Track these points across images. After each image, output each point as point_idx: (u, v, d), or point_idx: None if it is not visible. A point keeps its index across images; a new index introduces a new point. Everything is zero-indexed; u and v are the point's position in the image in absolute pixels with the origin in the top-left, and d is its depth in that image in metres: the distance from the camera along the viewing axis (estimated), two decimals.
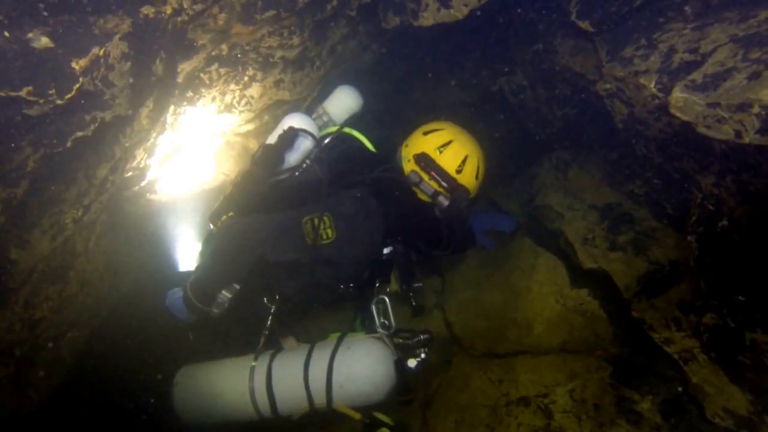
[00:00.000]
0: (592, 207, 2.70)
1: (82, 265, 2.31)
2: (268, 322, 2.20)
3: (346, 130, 2.26)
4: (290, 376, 2.07)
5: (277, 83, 2.32)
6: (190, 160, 2.60)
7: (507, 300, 2.71)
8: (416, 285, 2.31)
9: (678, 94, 1.40)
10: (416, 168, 2.17)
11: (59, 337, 2.35)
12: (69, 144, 1.59)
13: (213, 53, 1.97)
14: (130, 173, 2.25)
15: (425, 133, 2.24)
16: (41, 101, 1.38)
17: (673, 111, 1.43)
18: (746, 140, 1.26)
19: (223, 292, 2.10)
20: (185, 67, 1.93)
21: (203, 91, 2.15)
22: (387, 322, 2.13)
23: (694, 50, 1.46)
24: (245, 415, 2.15)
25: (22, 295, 1.88)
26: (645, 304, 2.14)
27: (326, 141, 2.22)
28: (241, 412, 2.15)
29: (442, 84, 3.63)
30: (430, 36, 3.17)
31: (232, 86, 2.25)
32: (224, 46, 1.98)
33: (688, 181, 1.97)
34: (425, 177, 2.17)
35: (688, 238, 1.88)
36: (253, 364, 2.16)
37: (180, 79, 1.94)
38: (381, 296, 2.16)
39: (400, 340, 2.14)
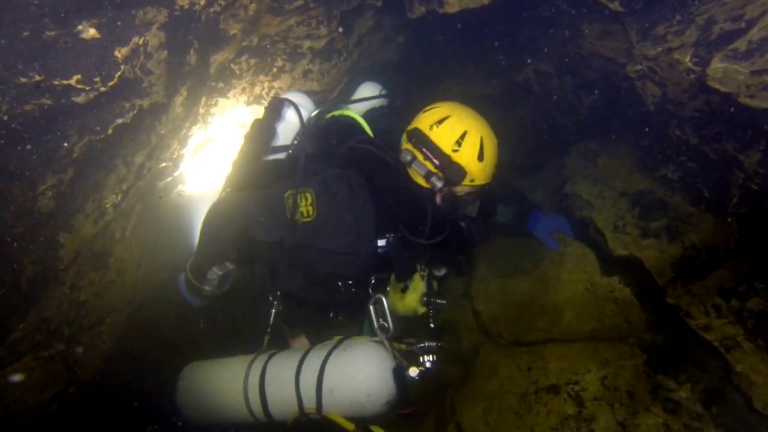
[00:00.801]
0: (623, 194, 2.64)
1: (120, 252, 2.42)
2: (271, 320, 2.14)
3: (347, 112, 2.11)
4: (282, 377, 1.95)
5: (306, 74, 2.37)
6: (221, 153, 2.68)
7: (535, 289, 2.67)
8: (438, 273, 2.17)
9: (717, 65, 1.36)
10: (409, 146, 1.92)
11: (100, 321, 2.46)
12: (110, 131, 1.67)
13: (243, 44, 2.03)
14: (163, 164, 2.34)
15: (424, 111, 2.00)
16: (87, 89, 1.45)
17: (710, 83, 1.38)
18: None
19: (214, 269, 2.06)
20: (217, 58, 1.99)
21: (234, 82, 2.21)
22: (386, 325, 1.94)
23: (737, 18, 1.40)
24: (241, 417, 2.06)
25: (69, 276, 1.98)
26: (681, 291, 2.07)
27: (322, 120, 2.08)
28: (236, 413, 2.07)
29: (466, 77, 3.62)
30: (455, 28, 3.18)
31: (261, 77, 2.31)
32: (254, 37, 2.04)
33: (728, 161, 1.90)
34: (419, 156, 1.88)
35: (729, 220, 1.82)
36: (251, 362, 2.08)
37: (212, 70, 2.01)
38: (378, 296, 1.98)
39: (403, 347, 1.93)
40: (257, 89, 2.38)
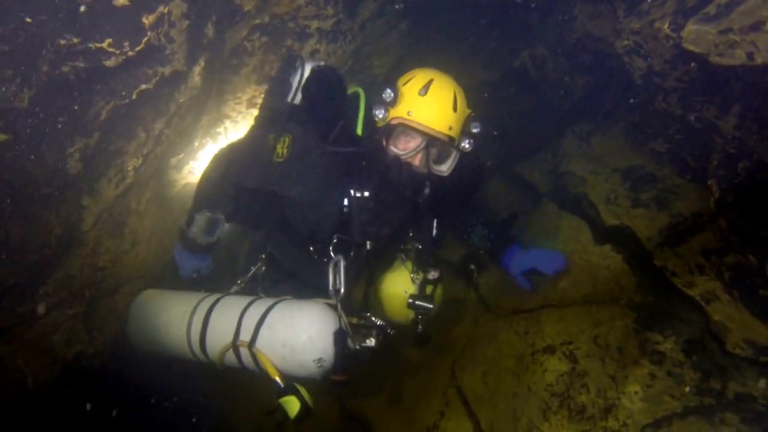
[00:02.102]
0: (615, 170, 2.75)
1: (134, 224, 2.55)
2: (248, 275, 2.16)
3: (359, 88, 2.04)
4: (229, 310, 1.95)
5: (313, 53, 2.51)
6: (232, 131, 2.82)
7: None
8: (433, 273, 2.10)
9: (690, 27, 1.49)
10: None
11: (115, 290, 2.59)
12: (134, 96, 1.81)
13: (256, 21, 2.17)
14: (179, 140, 2.48)
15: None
16: (117, 52, 1.59)
17: (685, 45, 1.51)
18: (759, 61, 1.34)
19: (204, 211, 2.07)
20: (231, 35, 2.14)
21: (246, 59, 2.35)
22: (339, 287, 1.88)
23: None
24: (179, 343, 2.05)
25: (90, 239, 2.12)
26: (668, 253, 2.19)
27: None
28: (176, 339, 2.05)
29: (465, 65, 3.76)
30: (454, 16, 3.32)
31: (271, 57, 2.45)
32: (266, 15, 2.18)
33: (709, 129, 2.02)
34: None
35: (709, 182, 1.94)
36: (205, 297, 2.09)
37: (227, 46, 2.15)
38: (337, 257, 1.92)
39: (354, 320, 1.90)
40: (267, 68, 2.52)
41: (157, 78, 1.80)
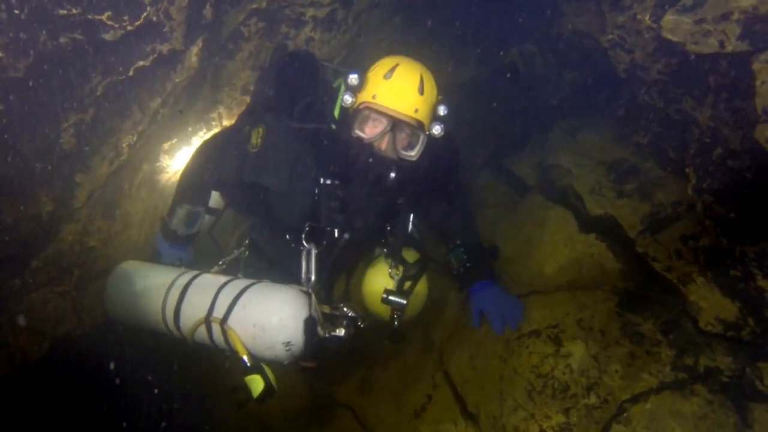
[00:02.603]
0: (601, 163, 2.85)
1: (126, 207, 2.56)
2: (231, 257, 2.18)
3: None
4: (207, 286, 1.96)
5: (307, 41, 2.55)
6: (226, 117, 2.84)
7: (519, 250, 2.86)
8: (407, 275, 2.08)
9: (669, 18, 1.57)
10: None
11: (105, 272, 2.58)
12: (131, 72, 1.83)
13: (254, 6, 2.20)
14: (172, 124, 2.49)
15: None
16: (116, 26, 1.62)
17: (664, 35, 1.59)
18: (729, 49, 1.42)
19: (185, 205, 2.11)
20: (228, 19, 2.17)
21: (242, 44, 2.39)
22: (310, 276, 1.90)
23: None
24: (153, 315, 2.05)
25: (82, 216, 2.12)
26: (649, 240, 2.28)
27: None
28: (151, 311, 2.05)
29: (456, 61, 3.84)
30: (447, 13, 3.40)
31: (267, 43, 2.49)
32: (263, 1, 2.22)
33: (687, 120, 2.12)
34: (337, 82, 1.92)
35: (686, 170, 2.03)
36: (184, 272, 2.09)
37: (224, 30, 2.18)
38: (309, 246, 1.92)
39: (327, 309, 1.90)
40: (262, 55, 2.55)
41: (155, 55, 1.83)
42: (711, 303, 1.86)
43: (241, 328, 1.77)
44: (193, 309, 1.91)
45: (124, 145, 2.05)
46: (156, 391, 2.61)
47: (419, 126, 1.82)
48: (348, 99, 1.79)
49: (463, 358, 2.56)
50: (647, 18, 1.76)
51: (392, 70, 1.78)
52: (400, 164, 1.87)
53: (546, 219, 2.86)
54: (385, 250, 2.27)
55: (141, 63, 1.81)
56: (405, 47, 3.57)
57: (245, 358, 1.74)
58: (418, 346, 2.88)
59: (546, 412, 2.05)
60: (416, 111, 1.79)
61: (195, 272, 2.09)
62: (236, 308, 1.80)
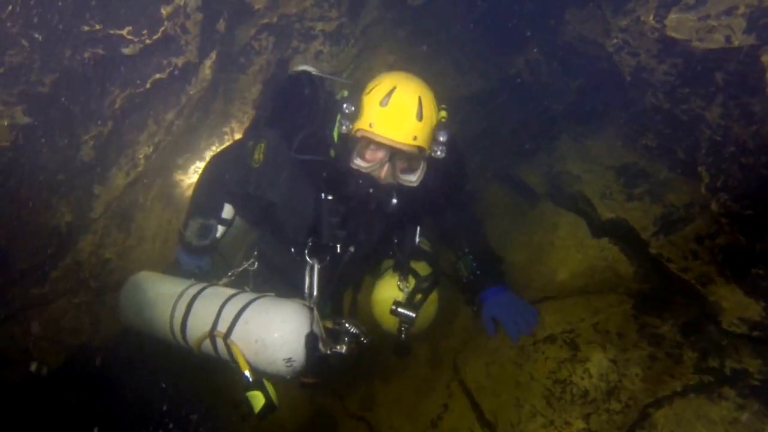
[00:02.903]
0: (610, 168, 2.85)
1: (141, 221, 2.60)
2: (240, 269, 2.20)
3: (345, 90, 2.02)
4: (213, 299, 1.99)
5: (317, 54, 2.62)
6: (238, 131, 2.90)
7: (531, 257, 2.84)
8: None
9: (672, 17, 1.60)
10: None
11: (120, 285, 2.61)
12: (148, 85, 1.88)
13: (265, 20, 2.27)
14: (186, 137, 2.55)
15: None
16: (135, 40, 1.68)
17: (669, 33, 1.62)
18: (735, 43, 1.44)
19: (197, 218, 2.14)
20: (241, 33, 2.24)
21: (253, 59, 2.46)
22: (313, 291, 1.90)
23: None
24: (161, 325, 2.08)
25: (99, 228, 2.16)
26: (663, 241, 2.26)
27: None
28: (160, 321, 2.09)
29: (462, 74, 3.90)
30: (451, 26, 3.47)
31: (277, 57, 2.55)
32: (275, 16, 2.29)
33: (696, 120, 2.12)
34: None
35: (699, 168, 2.03)
36: (193, 284, 2.15)
37: (236, 44, 2.25)
38: (312, 261, 1.93)
39: (330, 324, 1.89)
40: (273, 69, 2.62)
41: (171, 68, 1.89)
42: (733, 303, 1.83)
43: (244, 344, 1.79)
44: (199, 322, 1.94)
45: (140, 156, 2.10)
46: (165, 402, 2.61)
47: (419, 152, 1.79)
48: (345, 126, 1.76)
49: (478, 365, 2.52)
50: (651, 18, 1.79)
51: (389, 95, 1.71)
52: (401, 189, 1.85)
53: (557, 225, 2.85)
54: (393, 262, 2.26)
55: (158, 76, 1.87)
56: (410, 61, 3.65)
57: (247, 373, 1.76)
58: (428, 359, 2.85)
59: (566, 418, 2.00)
60: (415, 138, 1.73)
61: (202, 285, 2.13)
62: (239, 323, 1.82)
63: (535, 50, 3.19)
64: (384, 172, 1.81)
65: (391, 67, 3.48)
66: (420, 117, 1.73)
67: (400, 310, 1.96)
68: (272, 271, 2.29)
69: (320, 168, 1.85)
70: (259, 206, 2.02)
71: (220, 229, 2.33)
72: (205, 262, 2.31)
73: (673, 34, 1.61)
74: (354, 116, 1.74)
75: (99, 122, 1.89)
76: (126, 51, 1.70)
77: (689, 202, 2.34)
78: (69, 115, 1.79)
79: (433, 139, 1.79)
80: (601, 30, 2.48)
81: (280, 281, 2.22)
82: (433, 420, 2.47)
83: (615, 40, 2.26)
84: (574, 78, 3.03)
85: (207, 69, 2.06)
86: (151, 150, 2.12)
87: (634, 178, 2.68)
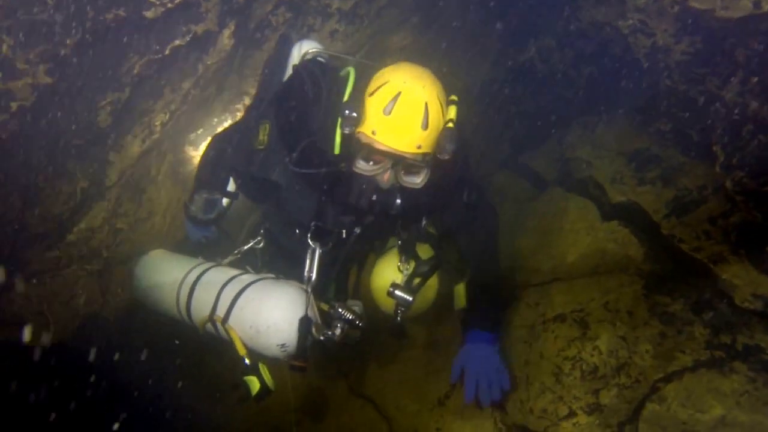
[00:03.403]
0: (620, 154, 2.85)
1: (152, 193, 2.62)
2: (245, 247, 2.23)
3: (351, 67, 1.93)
4: (213, 282, 2.04)
5: (332, 33, 2.63)
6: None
7: (540, 241, 2.84)
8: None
9: None
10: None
11: (130, 258, 2.63)
12: (167, 51, 1.89)
13: None
14: (199, 113, 2.56)
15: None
16: (158, 3, 1.69)
17: (691, 4, 1.62)
18: (765, 8, 1.43)
19: (202, 192, 2.17)
20: (258, 6, 2.25)
21: (268, 34, 2.46)
22: (311, 275, 1.90)
23: None
24: (169, 307, 2.18)
25: (113, 196, 2.17)
26: (674, 222, 2.26)
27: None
28: (167, 302, 2.18)
29: (473, 62, 3.91)
30: (463, 14, 3.48)
31: (293, 35, 2.56)
32: None
33: (712, 100, 2.12)
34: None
35: (714, 147, 2.03)
36: (198, 264, 2.22)
37: (253, 17, 2.26)
38: (314, 245, 1.93)
39: (326, 307, 1.90)
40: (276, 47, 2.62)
41: (190, 35, 1.90)
42: (746, 281, 1.83)
43: (240, 328, 1.84)
44: (201, 305, 2.01)
45: (156, 124, 2.12)
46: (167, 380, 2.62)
47: (423, 158, 1.74)
48: (347, 130, 1.69)
49: None
50: None
51: (393, 101, 1.63)
52: (404, 189, 1.81)
53: (566, 209, 2.85)
54: (399, 242, 2.20)
55: (177, 42, 1.88)
56: (422, 45, 3.65)
57: (244, 357, 1.80)
58: (430, 342, 2.85)
59: (575, 394, 2.00)
60: (419, 147, 1.69)
61: (207, 265, 2.19)
62: (234, 309, 1.87)
63: (546, 37, 3.19)
64: (387, 176, 1.77)
65: (403, 51, 3.49)
66: (426, 126, 1.66)
67: (397, 292, 1.93)
68: (278, 250, 2.29)
69: (320, 180, 1.82)
70: (263, 186, 2.00)
71: (225, 201, 2.35)
72: (211, 232, 2.35)
73: (696, 5, 1.61)
74: (357, 121, 1.68)
75: (117, 88, 1.90)
76: (148, 14, 1.71)
77: (702, 184, 2.33)
78: (88, 78, 1.80)
79: (439, 144, 1.74)
80: (615, 13, 2.48)
81: (285, 261, 2.21)
82: (440, 399, 2.47)
83: (630, 21, 2.27)
84: (587, 65, 3.03)
85: (225, 39, 2.07)
86: (167, 118, 2.14)
87: (645, 163, 2.67)
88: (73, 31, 1.59)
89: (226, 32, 2.06)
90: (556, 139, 3.45)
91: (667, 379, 1.84)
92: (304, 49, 2.19)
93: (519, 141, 3.78)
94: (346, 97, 1.75)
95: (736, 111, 1.95)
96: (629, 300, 2.18)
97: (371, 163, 1.75)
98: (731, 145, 1.95)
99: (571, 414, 1.95)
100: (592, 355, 2.08)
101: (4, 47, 1.42)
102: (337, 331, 1.82)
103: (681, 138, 2.50)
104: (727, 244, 2.00)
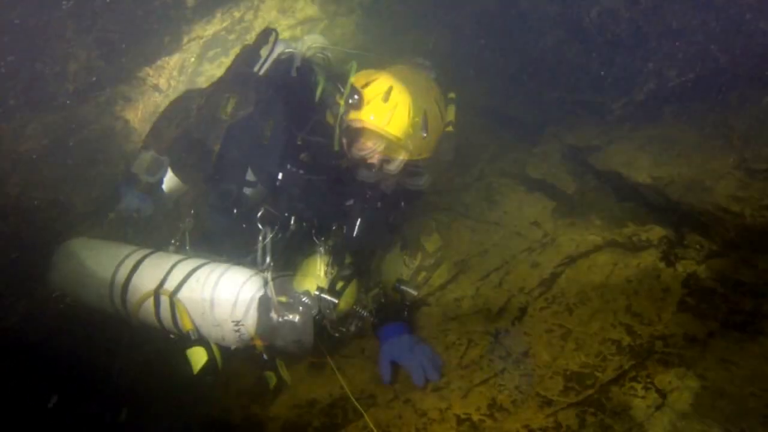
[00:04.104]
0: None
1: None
2: (180, 232, 2.14)
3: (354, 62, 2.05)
4: (166, 259, 1.94)
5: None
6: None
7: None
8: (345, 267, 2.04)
9: None
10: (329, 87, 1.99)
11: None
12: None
13: None
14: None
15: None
16: None
17: None
18: None
19: (151, 150, 2.13)
20: None
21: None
22: (266, 260, 1.89)
23: None
24: (102, 284, 1.98)
25: None
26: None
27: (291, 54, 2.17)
28: (99, 280, 1.99)
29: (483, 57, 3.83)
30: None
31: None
32: None
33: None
34: (336, 95, 1.94)
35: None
36: (139, 249, 2.07)
37: None
38: (265, 229, 1.93)
39: (284, 299, 1.82)
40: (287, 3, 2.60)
41: None
42: None
43: (191, 302, 1.74)
44: (144, 282, 1.88)
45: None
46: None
47: (405, 146, 1.95)
48: (344, 114, 1.90)
49: None
50: None
51: (388, 92, 1.91)
52: (380, 177, 1.99)
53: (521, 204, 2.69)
54: (321, 248, 2.15)
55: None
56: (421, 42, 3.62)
57: (190, 331, 1.70)
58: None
59: None
60: (405, 133, 1.93)
61: (148, 250, 2.05)
62: (189, 281, 1.78)
63: (560, 30, 3.14)
64: (376, 159, 1.97)
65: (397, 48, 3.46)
66: (410, 115, 1.92)
67: (323, 295, 1.90)
68: (207, 232, 2.21)
69: (317, 149, 1.95)
70: (207, 158, 2.00)
71: (167, 179, 2.28)
72: (147, 204, 2.20)
73: None
74: (356, 105, 1.90)
75: None
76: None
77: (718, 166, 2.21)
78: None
79: (412, 136, 1.95)
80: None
81: (212, 245, 2.15)
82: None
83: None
84: (597, 56, 2.97)
85: None
86: None
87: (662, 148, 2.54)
88: None
89: None
90: (566, 128, 3.34)
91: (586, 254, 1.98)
92: (307, 43, 2.26)
93: (528, 137, 3.66)
94: (347, 89, 1.90)
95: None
96: None
97: (363, 144, 1.95)
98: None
99: None
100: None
101: None
102: (298, 316, 1.78)
103: (693, 121, 2.40)
104: None
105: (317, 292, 1.90)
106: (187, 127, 2.07)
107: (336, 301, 1.92)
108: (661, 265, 1.85)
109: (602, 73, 2.67)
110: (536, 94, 3.35)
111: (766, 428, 1.14)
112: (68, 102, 2.18)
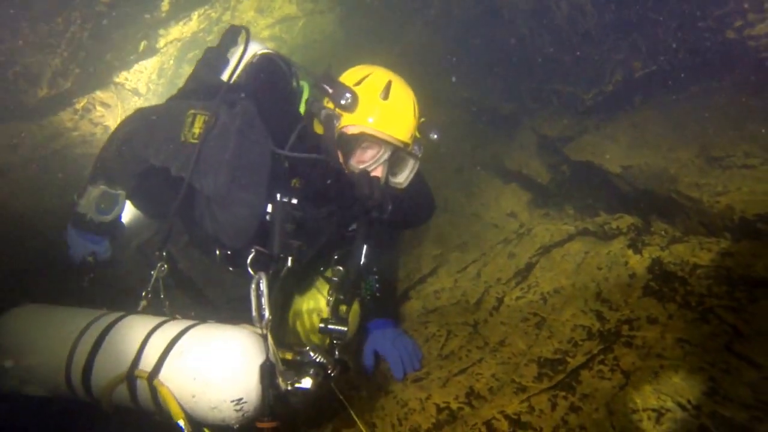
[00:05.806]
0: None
1: None
2: (152, 282, 1.71)
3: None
4: (136, 328, 1.53)
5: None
6: None
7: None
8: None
9: None
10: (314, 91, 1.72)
11: None
12: None
13: None
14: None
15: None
16: None
17: None
18: None
19: (100, 184, 1.75)
20: None
21: None
22: (264, 313, 1.51)
23: None
24: (54, 364, 1.52)
25: None
26: None
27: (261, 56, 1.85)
28: (51, 358, 1.54)
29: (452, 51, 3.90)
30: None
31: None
32: None
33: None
34: (324, 100, 1.64)
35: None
36: (101, 316, 1.61)
37: None
38: (258, 274, 1.55)
39: (290, 356, 1.54)
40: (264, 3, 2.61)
41: None
42: None
43: (177, 384, 1.39)
44: (111, 361, 1.47)
45: None
46: None
47: (414, 151, 1.67)
48: (336, 121, 1.57)
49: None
50: None
51: (387, 89, 1.57)
52: (391, 192, 1.70)
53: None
54: (320, 279, 2.02)
55: None
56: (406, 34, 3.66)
57: (181, 423, 1.36)
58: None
59: None
60: (412, 137, 1.64)
61: (119, 313, 1.62)
62: (170, 357, 1.41)
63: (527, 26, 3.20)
64: (380, 172, 1.60)
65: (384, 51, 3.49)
66: (415, 114, 1.63)
67: (330, 326, 1.72)
68: (182, 278, 1.96)
69: (309, 169, 1.62)
70: (176, 190, 1.63)
71: (127, 210, 1.90)
72: (103, 247, 1.82)
73: None
74: (350, 107, 1.55)
75: None
76: None
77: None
78: None
79: (417, 138, 1.69)
80: None
81: (185, 294, 1.90)
82: None
83: None
84: (569, 51, 3.03)
85: None
86: None
87: None
88: None
89: None
90: (540, 120, 3.44)
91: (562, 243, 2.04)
92: (254, 50, 1.93)
93: (501, 130, 3.75)
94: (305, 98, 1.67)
95: None
96: None
97: (363, 154, 1.59)
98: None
99: None
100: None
101: None
102: (310, 380, 1.44)
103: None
104: None
105: (322, 324, 1.71)
106: (143, 153, 1.68)
107: (344, 329, 1.73)
108: (629, 252, 1.93)
109: (574, 64, 2.73)
110: (513, 84, 3.42)
111: (710, 398, 1.27)
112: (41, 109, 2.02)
